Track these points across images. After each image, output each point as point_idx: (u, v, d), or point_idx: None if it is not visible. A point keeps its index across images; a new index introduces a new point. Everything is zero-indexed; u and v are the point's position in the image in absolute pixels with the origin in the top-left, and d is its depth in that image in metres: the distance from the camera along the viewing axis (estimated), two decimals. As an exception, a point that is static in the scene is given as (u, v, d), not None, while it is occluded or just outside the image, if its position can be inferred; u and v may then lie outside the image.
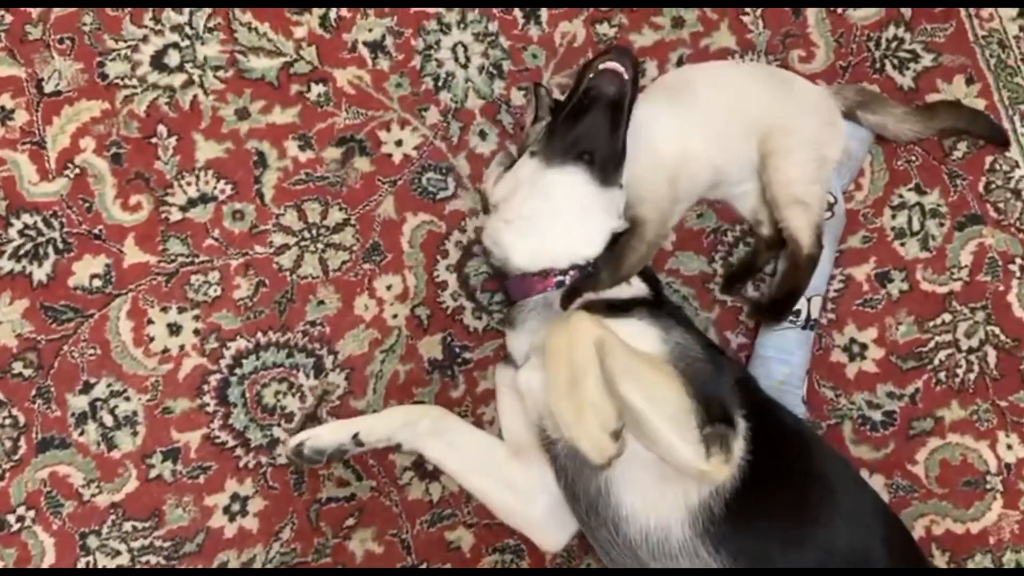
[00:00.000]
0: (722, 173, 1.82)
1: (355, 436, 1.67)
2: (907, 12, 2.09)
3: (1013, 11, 2.09)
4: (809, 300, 1.80)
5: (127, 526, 1.74)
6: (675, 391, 1.38)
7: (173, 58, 1.97)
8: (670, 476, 1.42)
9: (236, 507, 1.77)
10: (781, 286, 1.82)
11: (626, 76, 1.63)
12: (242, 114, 1.95)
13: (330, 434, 1.68)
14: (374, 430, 1.69)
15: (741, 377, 1.56)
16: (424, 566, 1.77)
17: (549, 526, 1.63)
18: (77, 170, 1.89)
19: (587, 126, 1.63)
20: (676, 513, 1.42)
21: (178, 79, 1.96)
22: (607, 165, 1.63)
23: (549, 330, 1.45)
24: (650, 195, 1.73)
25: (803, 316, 1.79)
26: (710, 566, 1.39)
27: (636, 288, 1.67)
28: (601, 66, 1.64)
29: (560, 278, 1.63)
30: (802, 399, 1.78)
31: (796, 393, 1.77)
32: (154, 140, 1.93)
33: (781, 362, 1.77)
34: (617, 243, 1.67)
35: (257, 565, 1.74)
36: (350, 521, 1.77)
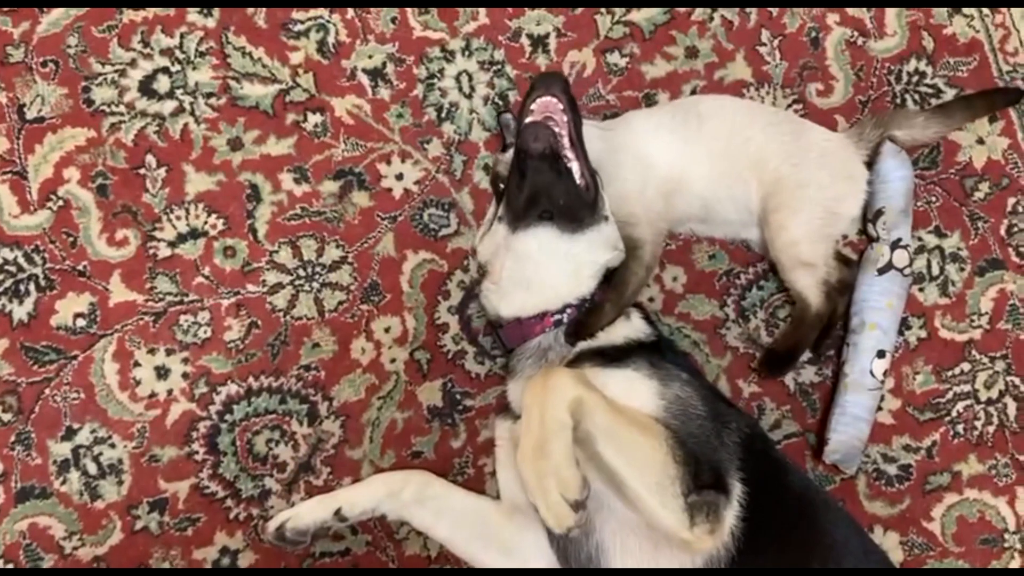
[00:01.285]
0: (710, 210, 1.72)
1: (337, 512, 1.56)
2: (929, 44, 1.97)
3: (1040, 46, 1.97)
4: (893, 358, 1.74)
5: (110, 582, 1.63)
6: (660, 455, 1.28)
7: (163, 84, 1.84)
8: (663, 543, 1.33)
9: (226, 561, 1.66)
10: (783, 341, 1.73)
11: (555, 118, 1.54)
12: (235, 144, 1.83)
13: (311, 512, 1.56)
14: (356, 503, 1.57)
15: (749, 433, 1.45)
16: (421, 625, 1.67)
17: None
18: (60, 202, 1.77)
19: (533, 186, 1.53)
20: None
21: (168, 106, 1.84)
22: (572, 212, 1.54)
23: (526, 387, 1.34)
24: (645, 214, 1.64)
25: (888, 376, 1.73)
26: None
27: (635, 328, 1.57)
28: (526, 120, 1.55)
29: (558, 316, 1.53)
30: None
31: (863, 452, 1.71)
32: (142, 171, 1.80)
33: (867, 423, 1.70)
34: (615, 273, 1.59)
35: (246, 623, 1.63)
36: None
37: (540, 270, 1.54)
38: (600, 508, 1.37)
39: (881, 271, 1.74)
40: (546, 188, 1.52)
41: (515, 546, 1.54)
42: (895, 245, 1.74)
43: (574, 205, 1.54)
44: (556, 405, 1.24)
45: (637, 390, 1.39)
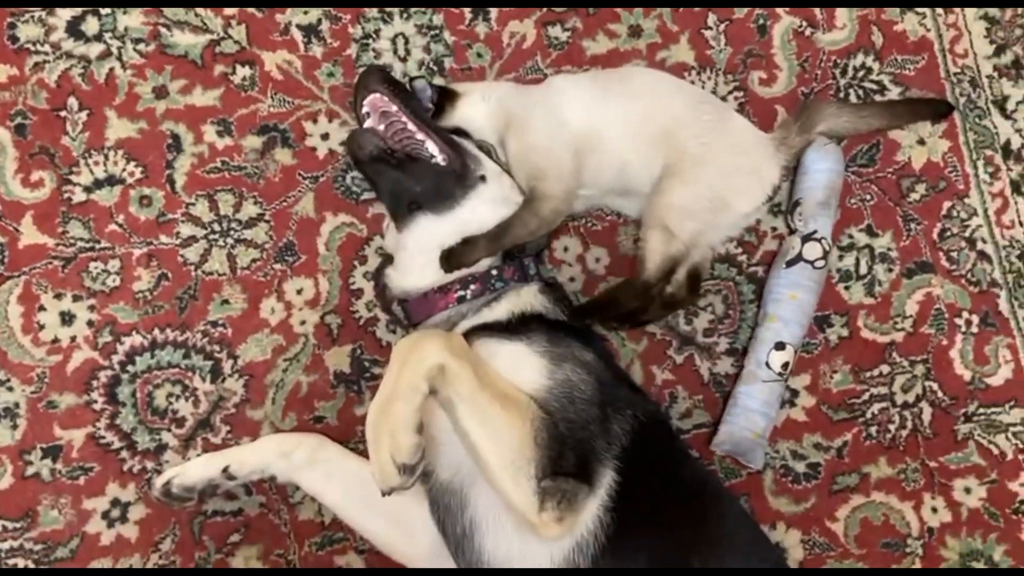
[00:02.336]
0: (626, 175, 1.63)
1: (225, 470, 1.51)
2: (878, 40, 1.90)
3: (989, 49, 1.90)
4: (796, 351, 1.65)
5: (-3, 525, 1.59)
6: (519, 434, 1.23)
7: (91, 26, 1.77)
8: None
9: (116, 513, 1.61)
10: (602, 295, 1.67)
11: (389, 111, 1.55)
12: (160, 92, 1.76)
13: (198, 470, 1.52)
14: (245, 462, 1.52)
15: (645, 422, 1.38)
16: (309, 590, 1.62)
17: (433, 564, 1.48)
18: (-24, 139, 1.70)
19: (385, 188, 1.55)
20: (540, 566, 1.28)
21: (95, 49, 1.77)
22: (438, 190, 1.51)
23: (397, 343, 1.33)
24: (553, 168, 1.57)
25: (789, 369, 1.64)
26: None
27: (524, 303, 1.48)
28: (347, 133, 1.58)
29: (461, 293, 1.48)
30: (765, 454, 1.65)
31: (764, 447, 1.64)
32: (63, 113, 1.74)
33: (764, 415, 1.62)
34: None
35: (133, 576, 1.59)
36: (235, 537, 1.62)
37: (430, 256, 1.50)
38: (475, 482, 1.32)
39: (790, 263, 1.68)
40: (397, 184, 1.51)
41: (403, 516, 1.49)
42: (807, 238, 1.68)
43: (438, 184, 1.51)
44: (414, 369, 1.20)
45: (524, 365, 1.33)
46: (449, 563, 1.44)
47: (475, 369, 1.25)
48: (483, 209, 1.51)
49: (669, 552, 1.29)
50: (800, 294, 1.64)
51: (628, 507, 1.27)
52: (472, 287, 1.47)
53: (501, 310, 1.45)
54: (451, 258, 1.47)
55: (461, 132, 1.63)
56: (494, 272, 1.48)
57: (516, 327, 1.41)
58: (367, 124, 1.56)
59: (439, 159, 1.53)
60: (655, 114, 1.62)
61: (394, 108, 1.54)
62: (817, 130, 1.68)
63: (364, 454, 1.59)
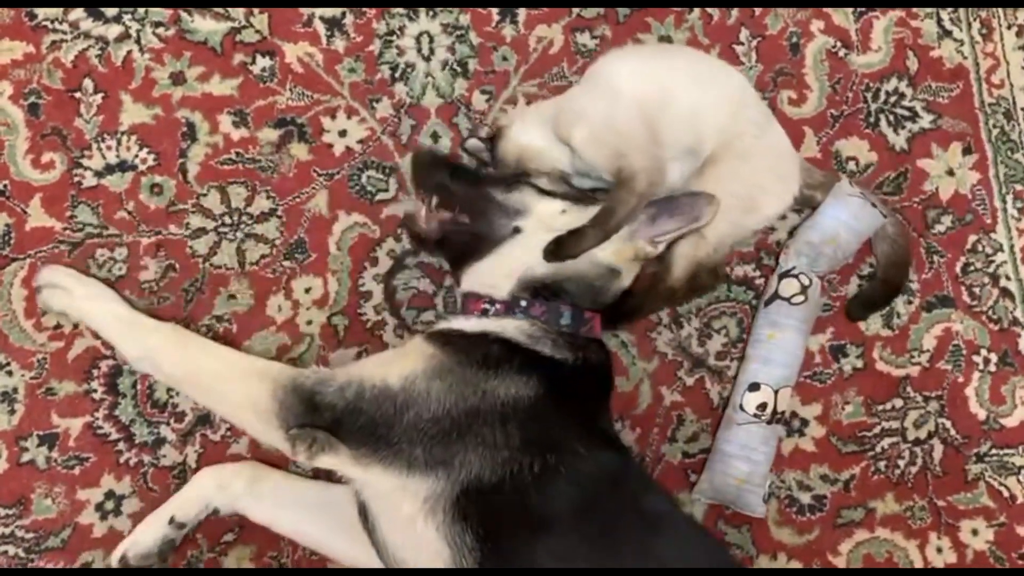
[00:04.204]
0: (698, 133, 1.52)
1: (172, 520, 1.44)
2: (913, 65, 1.80)
3: (1025, 81, 1.80)
4: (776, 392, 1.54)
5: (-12, 511, 1.51)
6: (254, 385, 1.28)
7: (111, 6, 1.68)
8: (412, 523, 1.21)
9: (110, 505, 1.53)
10: (630, 301, 1.51)
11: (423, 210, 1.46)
12: (177, 79, 1.67)
13: (147, 533, 1.44)
14: (186, 505, 1.44)
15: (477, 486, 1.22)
16: (300, 595, 1.55)
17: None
18: (-11, 116, 1.62)
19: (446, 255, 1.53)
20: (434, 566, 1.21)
21: (113, 30, 1.67)
22: (471, 251, 1.45)
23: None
24: (630, 144, 1.44)
25: (769, 410, 1.53)
26: None
27: (503, 327, 1.35)
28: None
29: (486, 307, 1.39)
30: (763, 498, 1.53)
31: (757, 492, 1.51)
32: (78, 95, 1.65)
33: (744, 459, 1.51)
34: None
35: (123, 570, 1.51)
36: (229, 536, 1.54)
37: (484, 290, 1.42)
38: (365, 485, 1.28)
39: (767, 302, 1.59)
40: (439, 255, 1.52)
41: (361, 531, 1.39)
42: (784, 274, 1.58)
43: (468, 245, 1.44)
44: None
45: (403, 361, 1.28)
46: None
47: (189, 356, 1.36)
48: (518, 252, 1.40)
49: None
50: (779, 333, 1.54)
51: (497, 530, 1.18)
52: (496, 306, 1.37)
53: (469, 324, 1.35)
54: (557, 249, 1.36)
55: (521, 172, 1.52)
56: (522, 303, 1.37)
57: (459, 336, 1.32)
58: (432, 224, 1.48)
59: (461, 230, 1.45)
60: (720, 87, 1.54)
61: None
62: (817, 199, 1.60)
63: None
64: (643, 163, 1.42)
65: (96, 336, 1.55)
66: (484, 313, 1.37)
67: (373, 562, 1.35)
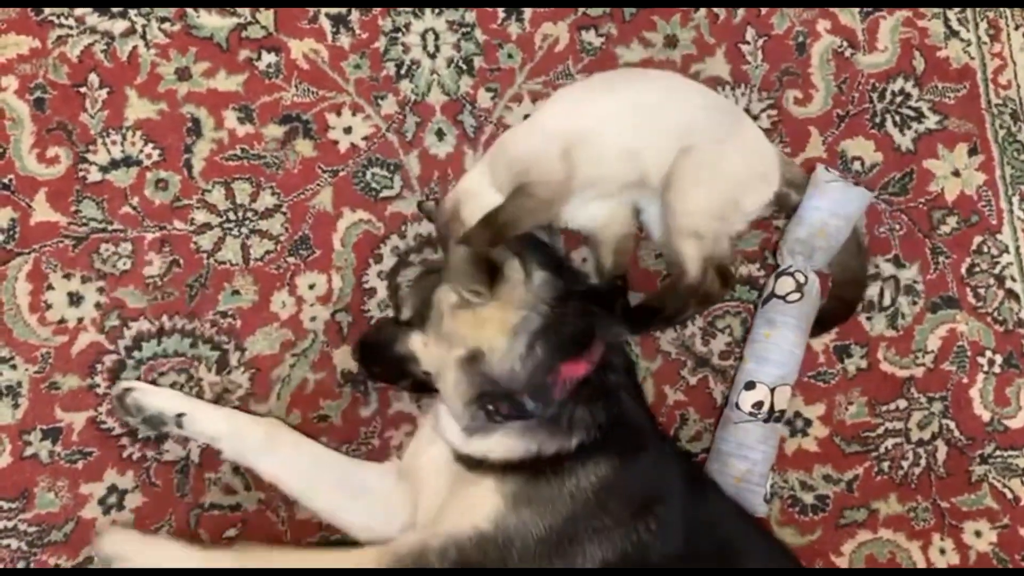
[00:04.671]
0: (639, 164, 1.50)
1: (179, 416, 1.45)
2: (920, 65, 1.78)
3: (1034, 82, 1.78)
4: (773, 391, 1.52)
5: (-8, 504, 1.50)
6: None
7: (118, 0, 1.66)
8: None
9: (113, 500, 1.52)
10: (649, 300, 1.54)
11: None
12: (183, 74, 1.66)
13: (158, 400, 1.47)
14: (198, 422, 1.45)
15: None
16: (302, 591, 1.53)
17: None
18: (-6, 110, 1.61)
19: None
20: None
21: (119, 26, 1.66)
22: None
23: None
24: (538, 166, 1.45)
25: (765, 408, 1.51)
26: None
27: (491, 446, 1.29)
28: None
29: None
30: (764, 498, 1.51)
31: (756, 492, 1.49)
32: (83, 90, 1.63)
33: (740, 458, 1.49)
34: None
35: (125, 565, 1.50)
36: (231, 532, 1.53)
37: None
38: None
39: (764, 301, 1.57)
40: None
41: (373, 498, 1.43)
42: (780, 273, 1.57)
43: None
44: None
45: (479, 506, 1.23)
46: None
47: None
48: (441, 387, 1.38)
49: None
50: (775, 331, 1.52)
51: None
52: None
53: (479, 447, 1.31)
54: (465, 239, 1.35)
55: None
56: (494, 416, 1.30)
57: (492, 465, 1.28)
58: None
59: None
60: (670, 110, 1.52)
61: None
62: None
63: (369, 458, 1.52)
64: (545, 179, 1.42)
65: (102, 331, 1.53)
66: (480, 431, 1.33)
67: (382, 526, 1.36)
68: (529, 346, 1.26)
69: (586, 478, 1.22)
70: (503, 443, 1.28)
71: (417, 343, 1.38)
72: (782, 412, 1.53)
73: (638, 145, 1.48)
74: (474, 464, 1.28)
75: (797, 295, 1.52)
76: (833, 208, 1.54)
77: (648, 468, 1.29)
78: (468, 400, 1.30)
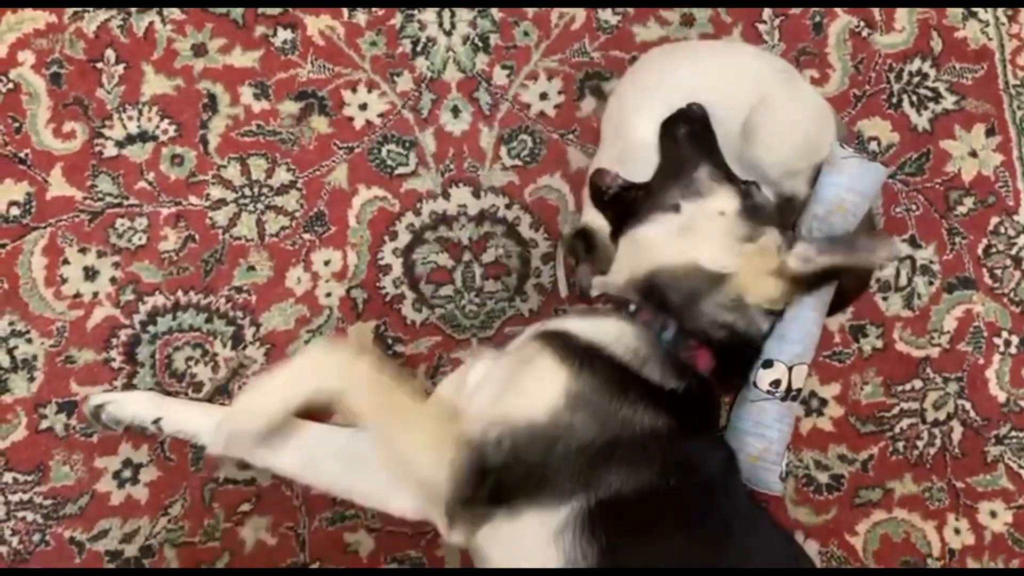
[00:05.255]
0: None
1: (157, 422, 1.43)
2: (937, 46, 1.75)
3: (1053, 63, 1.75)
4: (791, 369, 1.49)
5: (7, 477, 1.48)
6: (431, 460, 1.17)
7: (134, -24, 1.65)
8: (529, 542, 1.17)
9: (127, 473, 1.51)
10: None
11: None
12: (199, 50, 1.65)
13: (133, 407, 1.44)
14: (179, 421, 1.43)
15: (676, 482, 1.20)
16: (316, 566, 1.52)
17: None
18: (11, 84, 1.59)
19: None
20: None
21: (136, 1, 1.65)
22: (633, 215, 1.39)
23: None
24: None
25: (783, 387, 1.49)
26: None
27: (615, 336, 1.24)
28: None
29: (599, 306, 1.34)
30: (780, 476, 1.49)
31: (772, 470, 1.46)
32: (100, 65, 1.62)
33: (757, 436, 1.46)
34: None
35: (140, 538, 1.49)
36: (245, 507, 1.52)
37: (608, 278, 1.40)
38: None
39: None
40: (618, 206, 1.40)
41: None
42: None
43: (636, 209, 1.38)
44: (310, 377, 1.24)
45: (541, 392, 1.19)
46: None
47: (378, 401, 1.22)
48: (653, 231, 1.32)
49: None
50: (793, 310, 1.47)
51: (621, 544, 1.14)
52: (608, 305, 1.31)
53: (576, 326, 1.27)
54: None
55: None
56: (631, 306, 1.28)
57: (579, 354, 1.23)
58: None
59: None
60: (738, 65, 1.53)
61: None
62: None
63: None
64: None
65: (117, 305, 1.52)
66: (594, 311, 1.31)
67: (392, 496, 1.32)
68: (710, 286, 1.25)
69: (645, 417, 1.19)
70: (620, 329, 1.24)
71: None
72: (799, 391, 1.51)
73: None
74: (561, 342, 1.22)
75: None
76: (850, 184, 1.51)
77: (698, 445, 1.26)
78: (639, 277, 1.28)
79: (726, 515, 1.22)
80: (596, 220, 1.43)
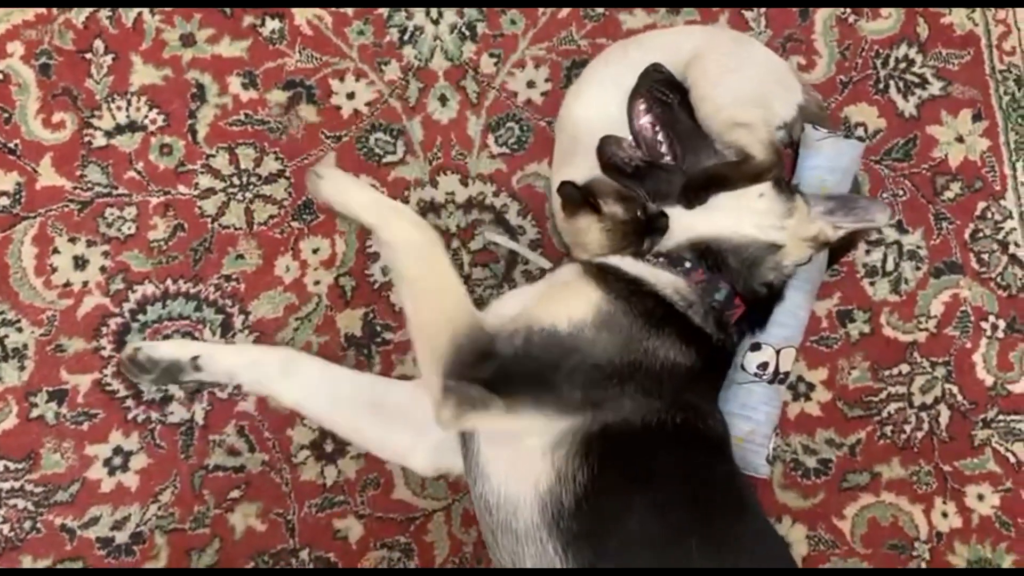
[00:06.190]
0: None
1: (195, 359, 1.42)
2: (924, 32, 1.74)
3: (1039, 48, 1.74)
4: (779, 352, 1.48)
5: (-1, 465, 1.48)
6: (437, 330, 1.20)
7: (122, -33, 1.63)
8: (525, 449, 1.16)
9: (117, 461, 1.50)
10: (709, 168, 1.34)
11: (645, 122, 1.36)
12: (187, 40, 1.63)
13: (170, 348, 1.44)
14: (216, 359, 1.42)
15: (684, 421, 1.21)
16: (306, 552, 1.51)
17: (436, 463, 1.40)
18: (0, 75, 1.58)
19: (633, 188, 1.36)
20: (526, 491, 1.15)
21: (124, -8, 1.63)
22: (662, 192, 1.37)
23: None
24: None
25: (771, 369, 1.47)
26: (555, 566, 1.12)
27: (661, 281, 1.28)
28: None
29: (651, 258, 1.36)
30: (767, 459, 1.48)
31: (759, 452, 1.45)
32: (88, 56, 1.61)
33: (744, 418, 1.45)
34: None
35: (131, 525, 1.48)
36: (235, 493, 1.51)
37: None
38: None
39: None
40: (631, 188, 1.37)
41: (397, 416, 1.40)
42: None
43: (662, 183, 1.36)
44: (378, 216, 1.33)
45: (574, 302, 1.21)
46: (455, 459, 1.33)
47: (420, 264, 1.25)
48: (717, 216, 1.33)
49: (664, 527, 1.14)
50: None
51: (613, 473, 1.13)
52: (661, 259, 1.32)
53: (627, 264, 1.29)
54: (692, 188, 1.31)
55: None
56: (686, 263, 1.30)
57: (621, 283, 1.25)
58: (638, 121, 1.37)
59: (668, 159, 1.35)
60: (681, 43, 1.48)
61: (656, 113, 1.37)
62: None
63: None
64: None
65: (107, 294, 1.51)
66: (645, 260, 1.31)
67: (406, 447, 1.37)
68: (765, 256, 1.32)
69: (673, 352, 1.21)
70: (671, 278, 1.28)
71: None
72: (786, 374, 1.50)
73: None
74: (603, 272, 1.25)
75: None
76: (829, 164, 1.49)
77: (708, 393, 1.31)
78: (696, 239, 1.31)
79: (723, 478, 1.22)
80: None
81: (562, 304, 1.22)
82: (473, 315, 1.22)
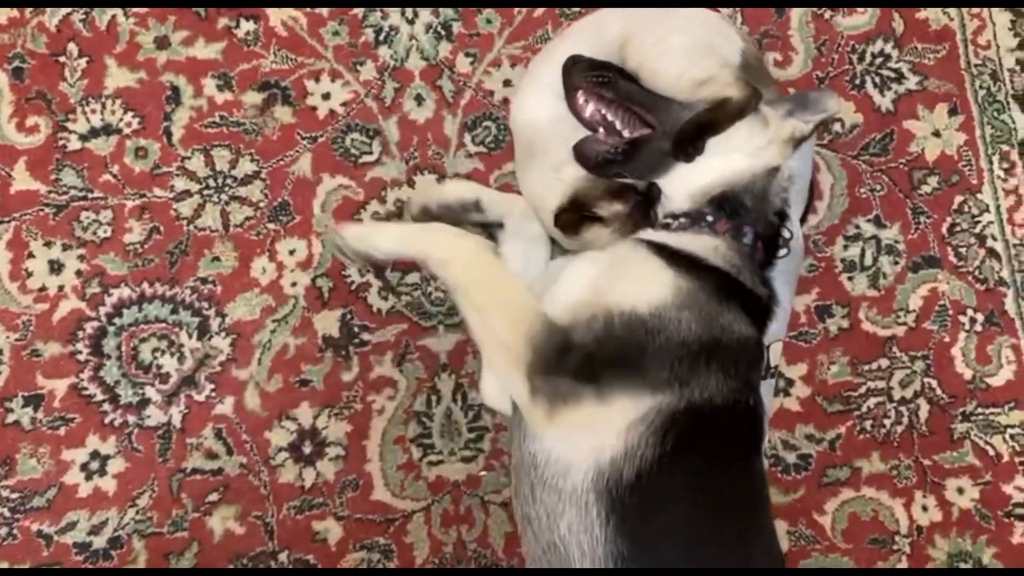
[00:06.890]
0: None
1: (478, 203, 1.43)
2: (899, 27, 1.73)
3: (1012, 42, 1.73)
4: (768, 347, 1.47)
5: (-26, 471, 1.46)
6: (510, 337, 1.14)
7: (95, -30, 1.61)
8: (599, 424, 1.14)
9: (95, 465, 1.48)
10: (693, 118, 1.29)
11: (593, 110, 1.32)
12: (162, 43, 1.61)
13: (457, 188, 1.47)
14: (496, 204, 1.44)
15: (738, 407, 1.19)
16: (285, 554, 1.49)
17: None
18: (-27, 80, 1.56)
19: (630, 175, 1.32)
20: (583, 457, 1.12)
21: (98, -5, 1.62)
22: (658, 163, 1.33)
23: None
24: None
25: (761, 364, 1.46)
26: (593, 543, 1.10)
27: (709, 250, 1.25)
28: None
29: (668, 221, 1.33)
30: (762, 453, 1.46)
31: None
32: (62, 59, 1.59)
33: None
34: None
35: (109, 530, 1.46)
36: (213, 496, 1.49)
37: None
38: None
39: None
40: (631, 173, 1.33)
41: None
42: None
43: (653, 154, 1.31)
44: (421, 242, 1.26)
45: (650, 286, 1.17)
46: None
47: (475, 271, 1.21)
48: (713, 162, 1.29)
49: (708, 515, 1.15)
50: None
51: (681, 454, 1.11)
52: (681, 220, 1.29)
53: (669, 238, 1.26)
54: (682, 142, 1.27)
55: None
56: (708, 217, 1.28)
57: (682, 260, 1.22)
58: (587, 112, 1.33)
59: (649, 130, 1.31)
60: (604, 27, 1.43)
61: (601, 96, 1.32)
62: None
63: (351, 422, 1.48)
64: None
65: (83, 298, 1.49)
66: (666, 227, 1.28)
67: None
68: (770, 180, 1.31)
69: (741, 326, 1.19)
70: (710, 242, 1.25)
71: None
72: (775, 368, 1.48)
73: None
74: (660, 249, 1.22)
75: (784, 250, 1.46)
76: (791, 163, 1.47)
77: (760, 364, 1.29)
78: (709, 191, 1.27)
79: (758, 473, 1.23)
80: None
81: (636, 284, 1.18)
82: (542, 311, 1.17)
